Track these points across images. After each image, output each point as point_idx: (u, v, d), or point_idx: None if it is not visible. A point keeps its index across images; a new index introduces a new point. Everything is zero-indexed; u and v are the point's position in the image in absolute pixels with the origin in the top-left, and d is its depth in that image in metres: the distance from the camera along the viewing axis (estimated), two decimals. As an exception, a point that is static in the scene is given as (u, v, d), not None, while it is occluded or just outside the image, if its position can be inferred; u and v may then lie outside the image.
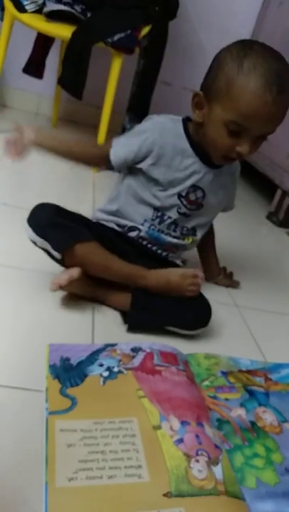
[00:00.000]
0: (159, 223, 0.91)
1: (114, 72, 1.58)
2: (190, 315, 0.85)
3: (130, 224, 0.92)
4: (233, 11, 2.11)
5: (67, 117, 2.15)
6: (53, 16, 1.58)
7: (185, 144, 0.87)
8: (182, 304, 0.85)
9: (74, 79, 1.54)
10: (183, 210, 0.91)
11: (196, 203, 0.91)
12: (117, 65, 1.57)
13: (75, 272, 0.82)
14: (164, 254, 0.95)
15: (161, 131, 0.86)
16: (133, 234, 0.92)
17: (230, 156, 0.83)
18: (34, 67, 1.87)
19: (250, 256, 1.36)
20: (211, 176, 0.90)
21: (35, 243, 0.84)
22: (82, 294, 0.87)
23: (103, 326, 0.84)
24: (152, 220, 0.91)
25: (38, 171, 1.60)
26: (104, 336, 0.81)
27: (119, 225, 0.93)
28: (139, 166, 0.87)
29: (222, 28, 2.11)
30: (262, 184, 1.95)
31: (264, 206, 1.83)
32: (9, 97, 2.20)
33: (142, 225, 0.91)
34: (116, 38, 1.54)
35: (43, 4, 1.62)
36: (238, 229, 1.55)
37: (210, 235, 1.06)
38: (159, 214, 0.91)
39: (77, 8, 1.61)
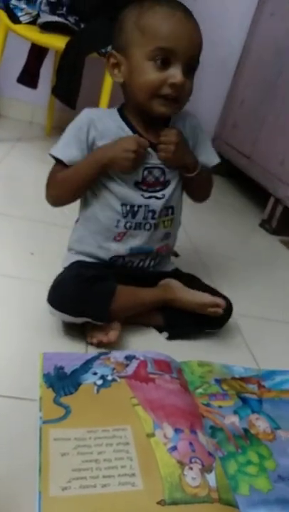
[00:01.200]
0: (133, 217, 0.86)
1: (107, 82, 1.59)
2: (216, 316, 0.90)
3: (108, 255, 0.88)
4: (226, 21, 2.14)
5: (62, 126, 2.13)
6: (47, 27, 1.59)
7: (123, 125, 0.84)
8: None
9: (68, 89, 1.55)
10: (147, 194, 0.86)
11: (159, 183, 0.87)
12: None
13: (117, 327, 0.82)
14: (157, 264, 0.93)
15: (96, 119, 0.83)
16: (118, 262, 0.89)
17: (164, 94, 0.77)
18: (28, 77, 1.89)
19: (243, 263, 1.37)
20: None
21: (71, 322, 0.82)
22: None
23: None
24: (124, 217, 0.86)
25: (31, 179, 1.60)
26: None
27: (99, 258, 0.89)
28: None
29: (214, 38, 2.14)
30: (255, 192, 1.97)
31: (257, 214, 1.84)
32: (4, 107, 2.21)
33: (116, 238, 0.87)
34: (109, 48, 1.56)
35: (37, 16, 1.63)
36: (231, 236, 1.56)
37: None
38: (128, 208, 0.86)
39: (71, 19, 1.63)
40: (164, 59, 0.76)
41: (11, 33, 1.62)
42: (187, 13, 0.78)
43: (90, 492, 0.51)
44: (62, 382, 0.67)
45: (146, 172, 0.85)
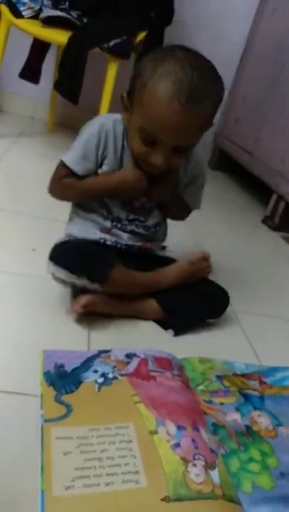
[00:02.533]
0: (116, 226, 0.90)
1: (110, 77, 1.58)
2: (213, 305, 0.94)
3: (97, 237, 0.90)
4: (228, 18, 2.12)
5: (63, 122, 2.16)
6: (50, 22, 1.59)
7: (125, 152, 0.85)
8: (203, 296, 0.92)
9: (70, 84, 1.55)
10: (132, 216, 0.90)
11: (144, 209, 0.90)
12: (113, 70, 1.58)
13: (84, 300, 0.82)
14: (148, 246, 0.94)
15: (109, 137, 0.84)
16: (109, 241, 0.91)
17: (148, 164, 0.79)
18: (30, 72, 1.88)
19: (246, 260, 1.37)
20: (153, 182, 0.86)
21: (63, 281, 0.84)
22: (106, 313, 0.87)
23: (99, 331, 0.84)
24: (110, 222, 0.89)
25: (33, 174, 1.60)
26: (100, 341, 0.81)
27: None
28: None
29: (217, 34, 2.13)
30: (257, 188, 1.96)
31: (259, 210, 1.84)
32: (5, 102, 2.20)
33: (107, 232, 0.90)
34: (112, 43, 1.55)
35: (40, 10, 1.63)
36: (233, 233, 1.56)
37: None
38: (114, 221, 0.89)
39: (74, 14, 1.62)
40: (149, 140, 0.75)
41: (13, 27, 1.61)
42: (191, 99, 0.70)
43: (93, 491, 0.51)
44: (63, 380, 0.66)
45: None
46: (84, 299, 0.82)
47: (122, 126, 0.84)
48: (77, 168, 0.85)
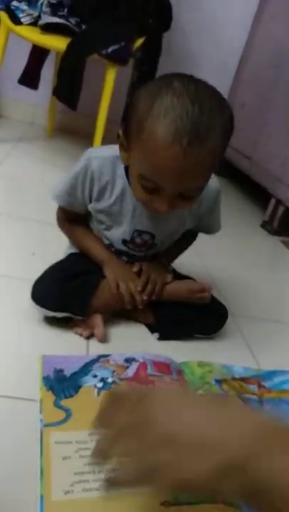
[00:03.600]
0: (116, 254, 0.88)
1: (108, 83, 1.59)
2: (209, 321, 0.91)
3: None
4: (226, 23, 2.14)
5: (63, 127, 2.17)
6: (48, 29, 1.60)
7: (124, 186, 0.79)
8: (201, 312, 0.88)
9: (69, 90, 1.56)
10: (132, 252, 0.87)
11: (146, 245, 0.86)
12: (111, 75, 1.59)
13: (99, 323, 0.83)
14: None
15: (91, 178, 0.80)
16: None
17: (153, 209, 0.72)
18: (29, 78, 1.89)
19: (245, 264, 1.37)
20: (159, 220, 0.82)
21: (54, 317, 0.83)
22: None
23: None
24: (110, 248, 0.89)
25: (32, 179, 1.60)
26: (98, 346, 0.81)
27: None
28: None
29: (215, 40, 2.14)
30: (256, 193, 1.97)
31: (258, 215, 1.84)
32: (5, 107, 2.21)
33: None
34: (110, 49, 1.56)
35: (39, 17, 1.64)
36: (232, 237, 1.56)
37: (183, 237, 0.93)
38: (113, 249, 0.88)
39: (72, 20, 1.63)
40: (151, 188, 0.68)
41: (12, 34, 1.62)
42: (194, 140, 0.61)
43: (93, 495, 0.51)
44: (62, 384, 0.66)
45: (135, 233, 0.84)
46: (101, 331, 0.82)
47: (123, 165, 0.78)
48: (59, 200, 0.85)
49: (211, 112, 0.62)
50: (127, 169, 0.78)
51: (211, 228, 0.94)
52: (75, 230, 0.90)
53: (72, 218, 0.89)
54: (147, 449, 0.39)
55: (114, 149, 0.77)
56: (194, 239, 0.98)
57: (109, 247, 0.88)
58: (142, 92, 0.66)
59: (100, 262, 0.87)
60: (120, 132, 0.72)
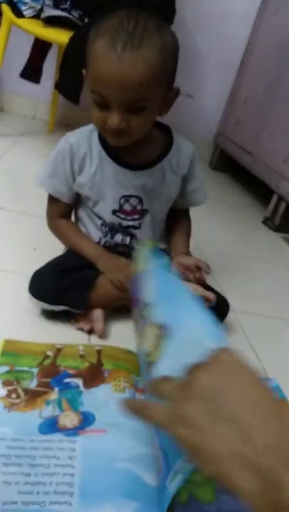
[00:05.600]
0: (112, 237, 0.89)
1: (111, 78, 1.59)
2: (212, 314, 0.89)
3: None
4: (230, 18, 2.13)
5: (64, 122, 2.16)
6: (51, 22, 1.59)
7: (100, 149, 0.83)
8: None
9: (71, 84, 1.55)
10: (126, 223, 0.88)
11: (137, 212, 0.87)
12: (114, 70, 1.58)
13: (99, 317, 0.83)
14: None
15: (75, 146, 0.83)
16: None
17: (108, 131, 0.75)
18: (31, 72, 1.89)
19: (247, 260, 1.37)
20: (144, 179, 0.85)
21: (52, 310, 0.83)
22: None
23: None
24: (104, 236, 0.90)
25: (33, 174, 1.60)
26: (100, 340, 0.81)
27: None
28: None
29: (218, 35, 2.13)
30: (258, 189, 1.97)
31: (260, 211, 1.84)
32: (6, 102, 2.21)
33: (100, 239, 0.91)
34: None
35: (41, 10, 1.63)
36: (234, 233, 1.56)
37: (181, 223, 0.98)
38: (107, 229, 0.89)
39: (75, 13, 1.62)
40: (101, 102, 0.71)
41: (14, 27, 1.61)
42: (128, 46, 0.66)
43: None
44: None
45: (122, 200, 0.85)
46: (100, 326, 0.82)
47: (97, 134, 0.83)
48: (50, 189, 0.87)
49: (145, 28, 0.68)
50: (101, 137, 0.83)
51: (197, 196, 0.95)
52: (65, 228, 0.91)
53: (63, 212, 0.91)
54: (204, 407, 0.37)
55: (88, 126, 0.85)
56: (190, 219, 0.99)
57: (103, 227, 0.88)
58: (93, 26, 0.73)
59: (93, 259, 0.87)
60: (83, 70, 0.76)
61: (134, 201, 0.86)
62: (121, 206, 0.86)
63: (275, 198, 1.73)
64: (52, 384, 0.66)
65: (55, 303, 0.81)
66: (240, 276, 1.22)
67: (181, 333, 0.54)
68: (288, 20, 1.85)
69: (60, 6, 1.64)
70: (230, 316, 0.99)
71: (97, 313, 0.83)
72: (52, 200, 0.89)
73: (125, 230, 0.89)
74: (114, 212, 0.86)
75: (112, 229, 0.89)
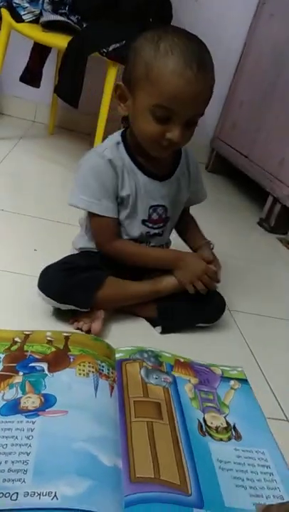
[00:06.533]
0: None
1: (109, 82, 1.61)
2: (210, 310, 0.95)
3: None
4: (225, 22, 2.15)
5: (64, 125, 2.18)
6: (50, 26, 1.61)
7: (128, 161, 0.85)
8: (201, 302, 0.91)
9: (70, 88, 1.57)
10: (152, 231, 0.91)
11: (161, 220, 0.91)
12: (112, 74, 1.60)
13: (100, 315, 0.85)
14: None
15: (112, 167, 0.83)
16: None
17: (162, 144, 0.79)
18: (31, 76, 1.90)
19: (242, 261, 1.40)
20: (167, 189, 0.89)
21: (58, 308, 0.85)
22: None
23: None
24: None
25: (34, 176, 1.63)
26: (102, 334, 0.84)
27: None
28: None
29: (214, 39, 2.14)
30: (253, 191, 1.99)
31: (255, 212, 1.87)
32: (6, 105, 2.23)
33: None
34: (111, 48, 1.57)
35: (40, 14, 1.65)
36: (229, 235, 1.58)
37: (188, 222, 1.03)
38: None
39: (73, 18, 1.65)
40: (164, 116, 0.75)
41: (14, 31, 1.63)
42: (201, 67, 0.73)
43: None
44: None
45: (151, 210, 0.89)
46: (98, 326, 0.84)
47: (122, 144, 0.85)
48: (101, 211, 0.84)
49: (204, 47, 0.76)
50: (127, 149, 0.85)
51: (199, 194, 1.00)
52: (129, 245, 0.90)
53: (117, 231, 0.89)
54: None
55: (112, 140, 0.86)
56: (192, 216, 1.05)
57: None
58: (141, 41, 0.76)
59: (169, 263, 0.90)
60: (120, 83, 0.80)
61: (160, 210, 0.90)
62: (150, 216, 0.89)
63: (270, 199, 1.76)
64: (17, 368, 0.68)
65: (62, 301, 0.83)
66: (236, 276, 1.24)
67: None
68: (283, 24, 1.88)
69: (58, 10, 1.66)
70: (226, 314, 1.02)
71: (99, 313, 0.85)
72: (103, 221, 0.86)
73: (147, 240, 0.92)
74: (143, 221, 0.89)
75: (136, 240, 0.91)
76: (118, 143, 0.85)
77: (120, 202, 0.87)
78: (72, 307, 0.84)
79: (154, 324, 0.92)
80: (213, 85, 0.77)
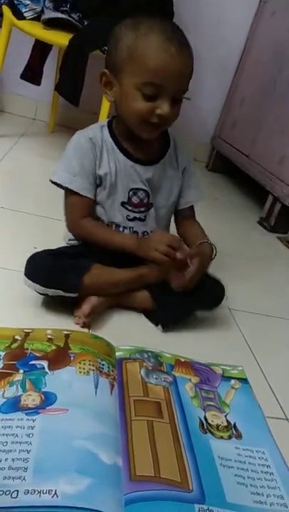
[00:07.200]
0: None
1: (110, 80, 1.61)
2: (208, 295, 0.94)
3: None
4: (227, 21, 2.15)
5: (65, 123, 2.18)
6: (51, 24, 1.61)
7: (113, 145, 0.88)
8: (198, 289, 0.89)
9: (71, 86, 1.57)
10: (132, 215, 0.92)
11: (143, 204, 0.92)
12: (113, 72, 1.60)
13: (92, 300, 0.85)
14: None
15: (96, 143, 0.87)
16: None
17: (151, 121, 0.81)
18: (32, 74, 1.90)
19: (242, 260, 1.40)
20: (150, 173, 0.90)
21: (46, 294, 0.85)
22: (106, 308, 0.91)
23: (100, 329, 0.87)
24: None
25: (34, 174, 1.62)
26: (100, 328, 0.84)
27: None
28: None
29: (216, 37, 2.16)
30: (253, 190, 1.99)
31: (256, 212, 1.87)
32: (7, 103, 2.23)
33: None
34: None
35: (41, 12, 1.65)
36: (229, 233, 1.59)
37: (192, 225, 1.01)
38: (114, 227, 0.92)
39: (75, 16, 1.65)
40: (152, 93, 0.78)
41: (15, 28, 1.63)
42: (182, 43, 0.77)
43: None
44: None
45: (131, 192, 0.90)
46: (87, 308, 0.84)
47: (107, 130, 0.88)
48: (74, 187, 0.87)
49: (180, 29, 0.80)
50: (112, 132, 0.88)
51: (193, 192, 0.99)
52: (93, 225, 0.91)
53: (88, 211, 0.90)
54: None
55: (97, 124, 0.91)
56: (199, 224, 1.03)
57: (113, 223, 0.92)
58: (120, 28, 0.80)
59: (132, 248, 0.88)
60: (106, 71, 0.82)
61: (141, 194, 0.91)
62: (129, 198, 0.91)
63: (270, 198, 1.76)
64: (17, 366, 0.68)
65: (48, 285, 0.82)
66: (236, 275, 1.24)
67: None
68: (285, 23, 1.88)
69: (60, 8, 1.66)
70: (226, 313, 1.02)
71: (93, 299, 0.85)
72: (76, 199, 0.88)
73: (131, 230, 0.92)
74: (122, 203, 0.91)
75: (118, 226, 0.92)
76: (103, 126, 0.90)
77: (99, 183, 0.89)
78: (60, 292, 0.83)
79: (153, 320, 0.92)
80: (193, 62, 0.80)
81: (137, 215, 0.92)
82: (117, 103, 0.84)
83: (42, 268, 0.83)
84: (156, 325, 0.91)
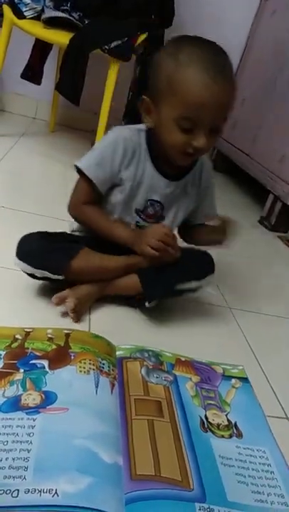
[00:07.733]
0: None
1: (110, 79, 1.61)
2: (195, 266, 0.92)
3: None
4: (228, 20, 2.15)
5: (65, 122, 2.18)
6: (51, 23, 1.61)
7: (147, 157, 0.88)
8: (185, 259, 0.89)
9: (71, 85, 1.57)
10: (142, 223, 0.92)
11: (155, 216, 0.93)
12: (113, 71, 1.60)
13: (78, 292, 0.86)
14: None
15: (129, 148, 0.87)
16: None
17: (188, 152, 0.81)
18: (32, 73, 1.90)
19: (243, 258, 1.40)
20: (171, 189, 0.91)
21: (33, 275, 0.86)
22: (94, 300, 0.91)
23: (99, 324, 0.87)
24: None
25: (34, 174, 1.63)
26: (100, 327, 0.84)
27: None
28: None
29: (216, 36, 2.13)
30: (254, 189, 1.99)
31: (256, 211, 1.87)
32: (7, 102, 2.23)
33: None
34: (113, 45, 1.57)
35: (42, 11, 1.65)
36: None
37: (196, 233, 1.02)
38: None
39: (75, 15, 1.65)
40: (189, 128, 0.78)
41: (15, 28, 1.63)
42: (221, 74, 0.75)
43: None
44: None
45: (148, 203, 0.91)
46: (71, 304, 0.84)
47: (144, 136, 0.88)
48: (92, 175, 0.87)
49: (222, 52, 0.78)
50: (148, 139, 0.87)
51: (210, 212, 1.00)
52: (94, 211, 0.91)
53: (91, 201, 0.91)
54: None
55: (136, 126, 0.89)
56: None
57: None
58: (161, 54, 0.79)
59: (126, 240, 0.88)
60: (146, 98, 0.82)
61: (157, 206, 0.92)
62: (145, 208, 0.91)
63: (271, 197, 1.76)
64: (18, 365, 0.68)
65: (37, 266, 0.83)
66: (237, 274, 1.24)
67: None
68: (285, 22, 1.88)
69: (60, 7, 1.66)
70: (227, 312, 1.02)
71: (77, 292, 0.85)
72: (86, 186, 0.89)
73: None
74: (137, 211, 0.91)
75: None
76: (141, 130, 0.88)
77: (118, 183, 0.88)
78: (46, 273, 0.84)
79: (144, 299, 0.91)
80: (236, 89, 0.79)
81: (146, 224, 0.93)
82: (156, 130, 0.84)
83: (32, 248, 0.84)
84: (144, 302, 0.91)
